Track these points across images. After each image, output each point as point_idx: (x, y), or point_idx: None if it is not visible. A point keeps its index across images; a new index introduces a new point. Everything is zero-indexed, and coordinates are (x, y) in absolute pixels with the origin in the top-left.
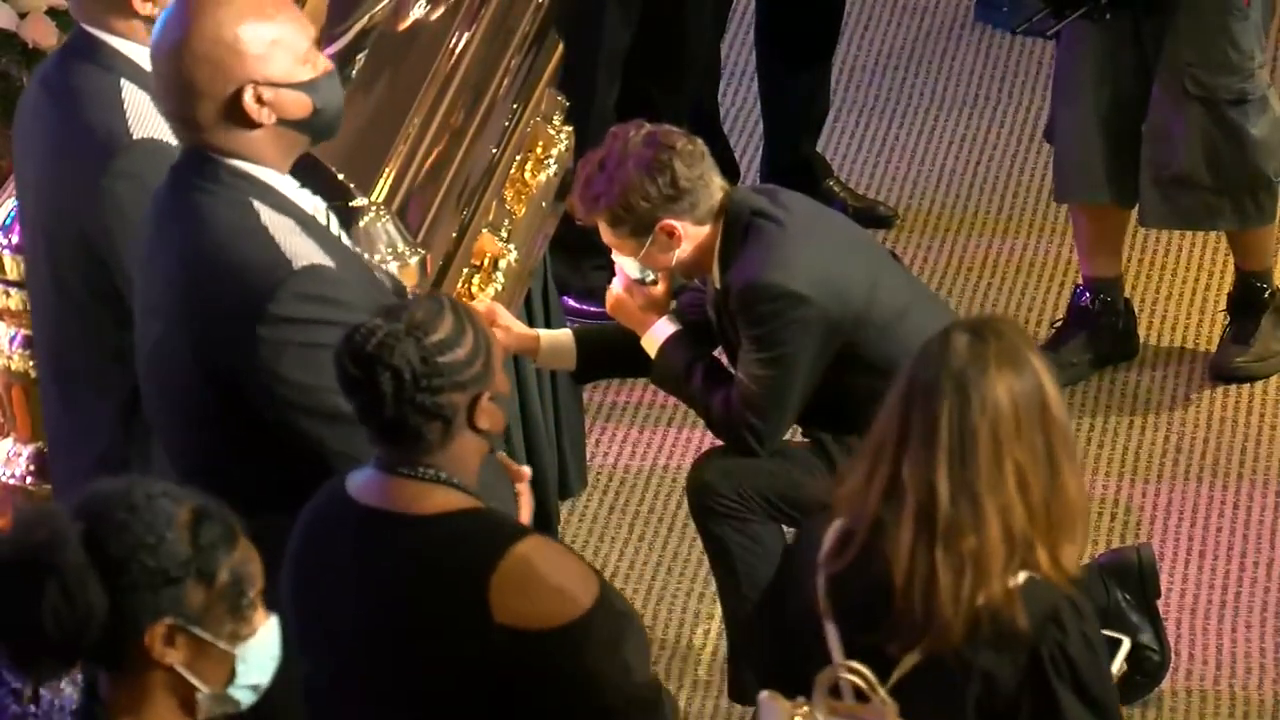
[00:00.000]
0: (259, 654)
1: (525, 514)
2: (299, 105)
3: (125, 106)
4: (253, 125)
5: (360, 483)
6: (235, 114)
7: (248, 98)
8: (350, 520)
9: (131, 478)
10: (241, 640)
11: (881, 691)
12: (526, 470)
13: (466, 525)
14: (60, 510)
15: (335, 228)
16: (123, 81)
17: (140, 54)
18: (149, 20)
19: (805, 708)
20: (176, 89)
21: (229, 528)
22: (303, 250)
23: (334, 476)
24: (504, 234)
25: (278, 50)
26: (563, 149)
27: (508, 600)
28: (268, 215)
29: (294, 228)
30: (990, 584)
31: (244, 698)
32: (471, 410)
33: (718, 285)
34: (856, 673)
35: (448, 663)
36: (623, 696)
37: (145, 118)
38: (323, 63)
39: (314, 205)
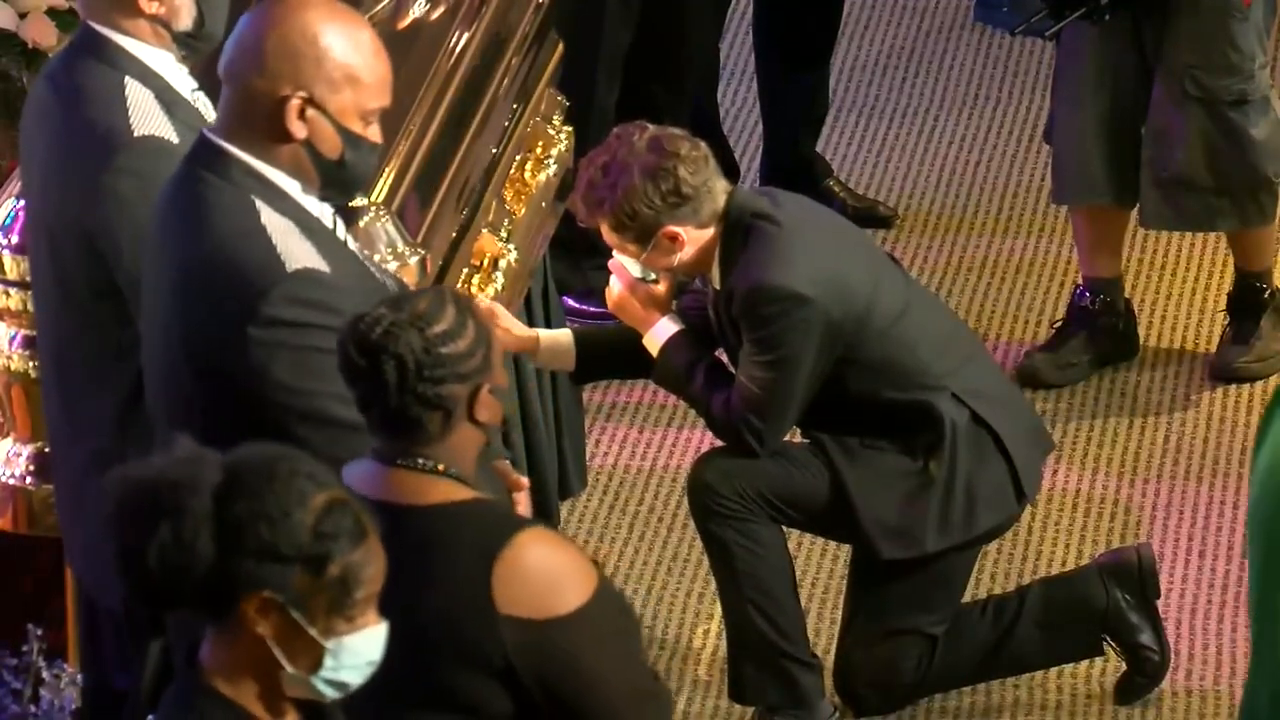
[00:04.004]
0: (353, 654)
1: None
2: (332, 144)
3: (128, 104)
4: (282, 134)
5: (358, 475)
6: (273, 113)
7: (293, 104)
8: None
9: (289, 449)
10: (335, 635)
11: None
12: (525, 480)
13: (469, 515)
14: (212, 459)
15: (342, 232)
16: (127, 79)
17: (146, 53)
18: (154, 20)
19: None
20: (249, 55)
21: (359, 525)
22: (299, 253)
23: None
24: (504, 234)
25: (348, 87)
26: (563, 149)
27: (511, 590)
28: (268, 216)
29: (293, 229)
30: None
31: (326, 691)
32: (472, 402)
33: (717, 287)
34: None
35: (455, 653)
36: (625, 685)
37: (147, 116)
38: (376, 135)
39: (320, 209)
